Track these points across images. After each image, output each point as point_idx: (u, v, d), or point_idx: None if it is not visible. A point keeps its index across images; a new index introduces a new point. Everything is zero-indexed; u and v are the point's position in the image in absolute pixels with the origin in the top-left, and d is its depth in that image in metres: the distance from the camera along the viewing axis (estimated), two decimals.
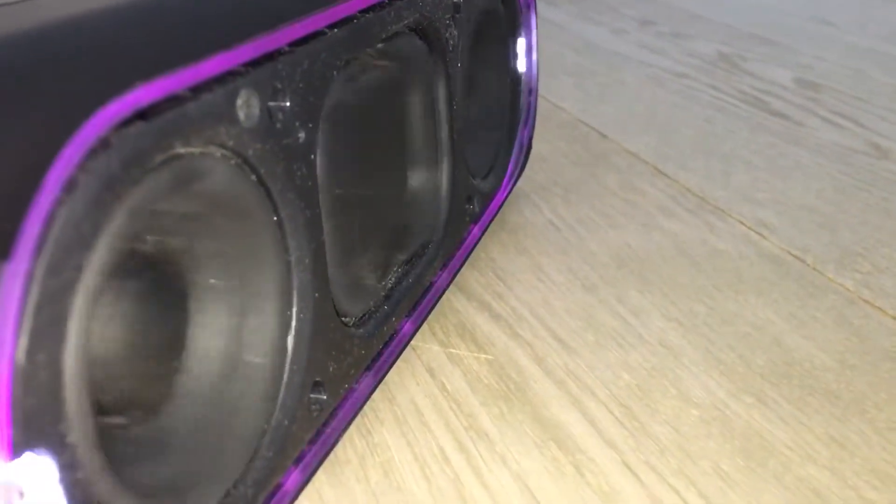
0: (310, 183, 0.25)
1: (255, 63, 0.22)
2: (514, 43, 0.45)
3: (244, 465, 0.23)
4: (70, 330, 0.16)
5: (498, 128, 0.45)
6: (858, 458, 0.29)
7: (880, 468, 0.29)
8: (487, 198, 0.42)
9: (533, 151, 0.54)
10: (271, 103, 0.22)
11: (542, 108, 0.65)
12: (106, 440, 0.19)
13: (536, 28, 0.47)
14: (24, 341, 0.15)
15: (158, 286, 0.22)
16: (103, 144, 0.17)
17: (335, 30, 0.26)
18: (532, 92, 0.48)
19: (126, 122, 0.17)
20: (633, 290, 0.40)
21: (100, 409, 0.20)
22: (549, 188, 0.51)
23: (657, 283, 0.40)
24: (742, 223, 0.47)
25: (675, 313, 0.38)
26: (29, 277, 0.15)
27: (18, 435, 0.15)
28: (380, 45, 0.30)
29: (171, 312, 0.22)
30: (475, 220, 0.40)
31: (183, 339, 0.22)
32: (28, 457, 0.15)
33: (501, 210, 0.47)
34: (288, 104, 0.23)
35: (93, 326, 0.19)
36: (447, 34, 0.35)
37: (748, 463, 0.29)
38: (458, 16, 0.36)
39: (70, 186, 0.16)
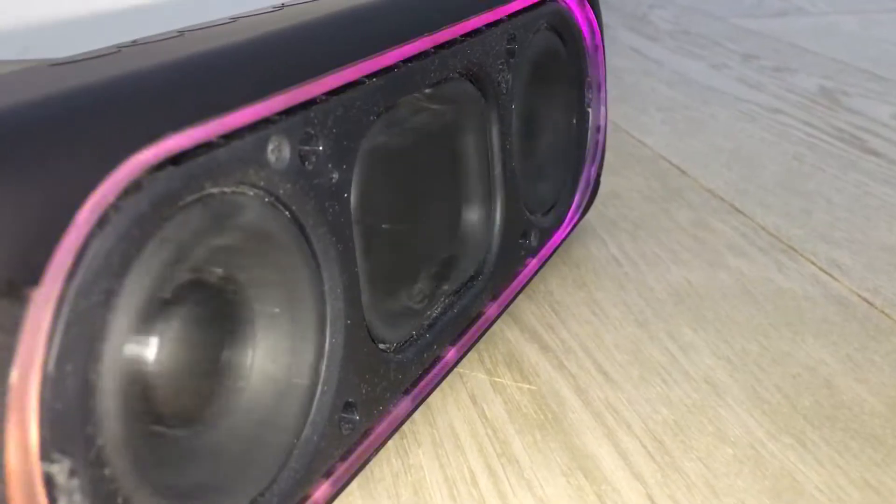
0: (342, 219, 0.27)
1: (288, 111, 0.24)
2: (581, 82, 0.47)
3: (272, 477, 0.25)
4: (101, 347, 0.19)
5: (563, 164, 0.46)
6: None
7: None
8: (548, 233, 0.44)
9: (607, 187, 0.55)
10: (303, 147, 0.25)
11: (625, 143, 0.66)
12: (142, 443, 0.22)
13: (605, 67, 0.48)
14: (53, 353, 0.18)
15: (204, 309, 0.24)
16: (135, 186, 0.20)
17: (373, 79, 0.28)
18: (600, 130, 0.49)
19: (158, 167, 0.20)
20: (686, 326, 0.40)
21: (143, 415, 0.23)
22: (618, 223, 0.51)
23: (712, 321, 0.41)
24: (813, 263, 0.46)
25: (726, 351, 0.38)
26: (60, 299, 0.18)
27: (46, 434, 0.18)
28: (428, 91, 0.33)
29: (212, 332, 0.25)
30: (532, 254, 0.42)
31: (222, 357, 0.25)
32: (55, 454, 0.18)
33: (566, 243, 0.48)
34: (320, 148, 0.25)
35: (139, 342, 0.22)
36: (500, 78, 0.37)
37: (774, 503, 0.29)
38: (512, 60, 0.38)
39: (101, 222, 0.19)
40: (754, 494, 0.30)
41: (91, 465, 0.19)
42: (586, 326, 0.40)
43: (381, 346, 0.30)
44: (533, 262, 0.42)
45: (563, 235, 0.46)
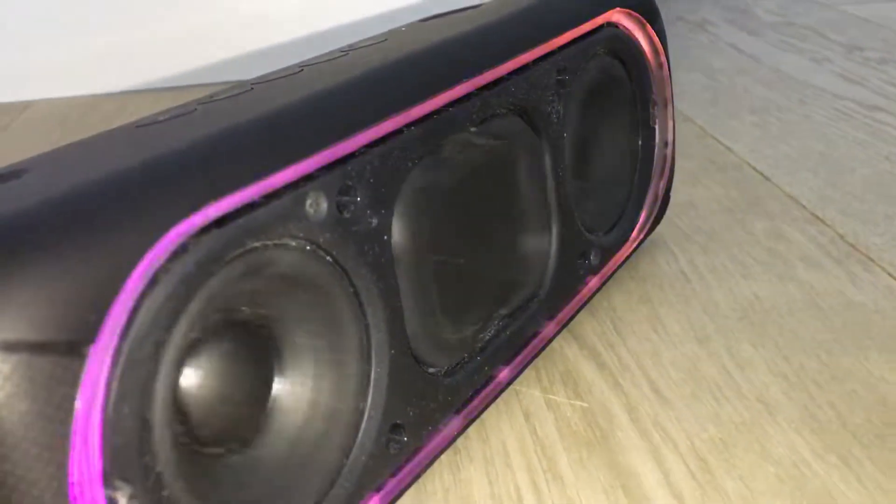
0: (383, 259, 0.29)
1: (326, 167, 0.27)
2: (646, 101, 0.47)
3: (324, 493, 0.28)
4: (154, 390, 0.22)
5: (627, 182, 0.47)
6: None
7: None
8: (611, 250, 0.45)
9: (684, 197, 0.56)
10: (341, 198, 0.28)
11: (711, 150, 0.65)
12: (201, 468, 0.25)
13: (671, 83, 0.49)
14: (112, 398, 0.21)
15: (251, 344, 0.28)
16: (182, 249, 0.23)
17: (412, 127, 0.31)
18: (668, 144, 0.49)
19: (203, 230, 0.23)
20: (746, 342, 0.41)
21: (199, 441, 0.26)
22: (691, 236, 0.52)
23: (774, 336, 0.41)
24: (890, 274, 0.45)
25: (784, 368, 0.39)
26: (116, 353, 0.21)
27: (108, 465, 0.21)
28: (474, 129, 0.35)
29: (266, 363, 0.28)
30: (593, 273, 0.43)
31: (275, 385, 0.28)
32: (117, 482, 0.21)
33: (635, 257, 0.49)
34: (358, 199, 0.28)
35: (188, 378, 0.26)
36: (550, 109, 0.38)
37: None
38: (563, 91, 0.39)
39: (152, 283, 0.22)
40: None
41: (150, 490, 0.22)
42: (645, 344, 0.42)
43: (431, 370, 0.33)
44: (594, 281, 0.43)
45: (628, 252, 0.47)
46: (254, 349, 0.27)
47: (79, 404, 0.20)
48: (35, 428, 0.20)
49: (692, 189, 0.58)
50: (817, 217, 0.53)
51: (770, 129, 0.69)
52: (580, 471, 0.34)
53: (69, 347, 0.20)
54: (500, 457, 0.35)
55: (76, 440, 0.20)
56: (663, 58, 0.48)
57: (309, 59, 0.37)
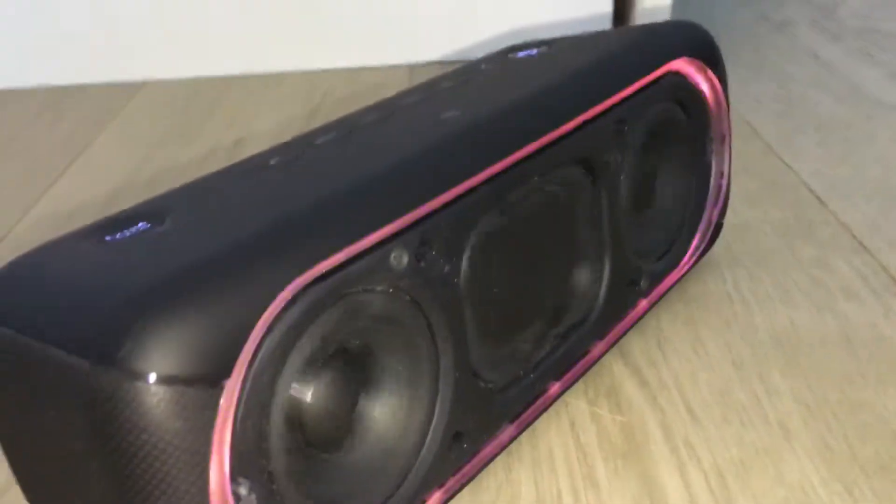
0: (452, 298, 0.35)
1: (407, 227, 0.33)
2: (704, 138, 0.52)
3: (396, 486, 0.35)
4: (269, 409, 0.29)
5: (680, 211, 0.52)
6: None
7: None
8: (661, 276, 0.50)
9: (740, 219, 0.60)
10: (419, 251, 0.34)
11: (773, 169, 0.69)
12: (303, 465, 0.32)
13: (729, 119, 0.53)
14: (239, 417, 0.28)
15: (349, 366, 0.34)
16: (291, 302, 0.29)
17: (482, 186, 0.36)
18: (723, 175, 0.54)
19: (308, 285, 0.30)
20: (777, 370, 0.45)
21: (302, 445, 0.33)
22: (741, 259, 0.56)
23: (804, 366, 0.45)
24: None
25: (808, 397, 0.43)
26: (243, 383, 0.28)
27: (234, 466, 0.28)
28: (536, 178, 0.40)
29: (357, 382, 0.35)
30: (643, 297, 0.48)
31: (363, 399, 0.35)
32: (240, 479, 0.28)
33: (685, 279, 0.53)
34: (433, 252, 0.34)
35: (298, 395, 0.32)
36: (608, 158, 0.43)
37: None
38: (621, 139, 0.44)
39: (269, 329, 0.28)
40: None
41: (263, 484, 0.29)
42: (685, 364, 0.47)
43: (489, 386, 0.39)
44: (643, 304, 0.48)
45: (677, 277, 0.52)
46: (347, 372, 0.34)
47: (217, 423, 0.27)
48: (186, 441, 0.26)
49: (750, 210, 0.62)
50: (864, 247, 0.56)
51: (833, 148, 0.72)
52: (614, 479, 0.39)
53: (213, 381, 0.27)
54: (546, 461, 0.41)
55: (214, 449, 0.27)
56: (722, 97, 0.52)
57: (403, 95, 0.43)
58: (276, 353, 0.29)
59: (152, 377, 0.26)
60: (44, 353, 0.27)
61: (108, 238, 0.33)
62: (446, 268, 0.35)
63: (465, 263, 0.36)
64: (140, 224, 0.33)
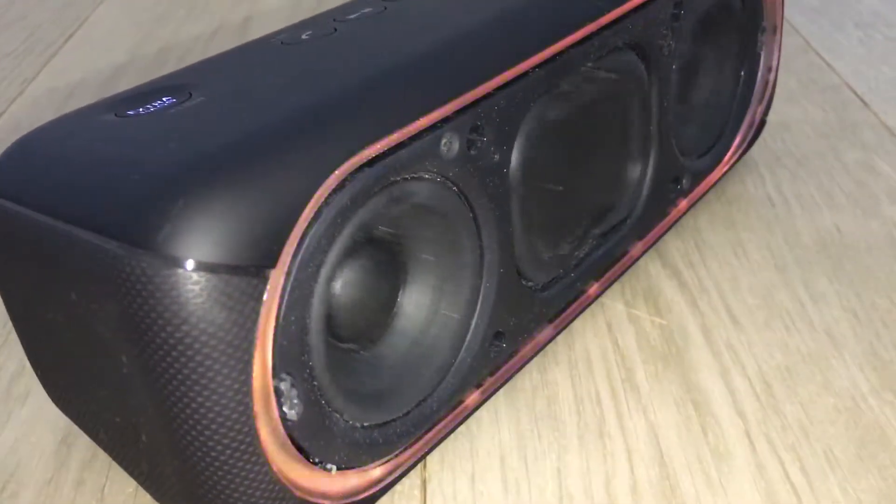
0: (501, 190, 0.33)
1: (459, 111, 0.30)
2: (756, 28, 0.48)
3: (434, 386, 0.33)
4: (311, 301, 0.27)
5: (726, 107, 0.49)
6: None
7: None
8: (702, 174, 0.47)
9: (779, 117, 0.57)
10: (470, 137, 0.31)
11: (812, 67, 0.66)
12: (339, 361, 0.30)
13: (783, 8, 0.50)
14: (282, 309, 0.26)
15: (387, 259, 0.32)
16: (339, 186, 0.27)
17: (535, 70, 0.33)
18: (771, 70, 0.51)
19: (357, 170, 0.27)
20: (822, 275, 0.44)
21: (340, 339, 0.31)
22: (782, 160, 0.54)
23: (850, 272, 0.44)
24: None
25: (855, 305, 0.42)
26: (287, 274, 0.25)
27: (277, 361, 0.26)
28: (590, 65, 0.37)
29: (394, 275, 0.32)
30: (683, 196, 0.46)
31: (401, 294, 0.33)
32: (282, 374, 0.26)
33: (724, 179, 0.51)
34: (485, 138, 0.31)
35: (338, 286, 0.30)
36: (662, 43, 0.40)
37: (859, 452, 0.34)
38: (676, 24, 0.41)
39: (316, 216, 0.26)
40: (843, 442, 0.34)
41: (305, 380, 0.27)
42: (726, 268, 0.45)
43: (530, 284, 0.37)
44: (683, 204, 0.46)
45: (719, 176, 0.49)
46: (387, 264, 0.32)
47: (261, 316, 0.25)
48: (230, 333, 0.24)
49: (789, 109, 0.59)
50: None
51: (875, 48, 0.68)
52: (654, 383, 0.38)
53: (257, 270, 0.24)
54: (583, 363, 0.39)
55: (257, 343, 0.25)
56: None
57: None
58: (321, 241, 0.26)
59: (193, 264, 0.24)
60: (69, 234, 0.25)
61: (130, 112, 0.30)
62: (496, 156, 0.32)
63: (515, 153, 0.33)
64: (165, 98, 0.31)
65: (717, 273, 0.44)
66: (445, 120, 0.30)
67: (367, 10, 0.37)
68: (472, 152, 0.31)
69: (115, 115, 0.30)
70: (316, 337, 0.27)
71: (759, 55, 0.50)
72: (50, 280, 0.28)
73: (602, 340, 0.40)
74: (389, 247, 0.32)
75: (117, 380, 0.27)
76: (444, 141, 0.30)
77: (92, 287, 0.25)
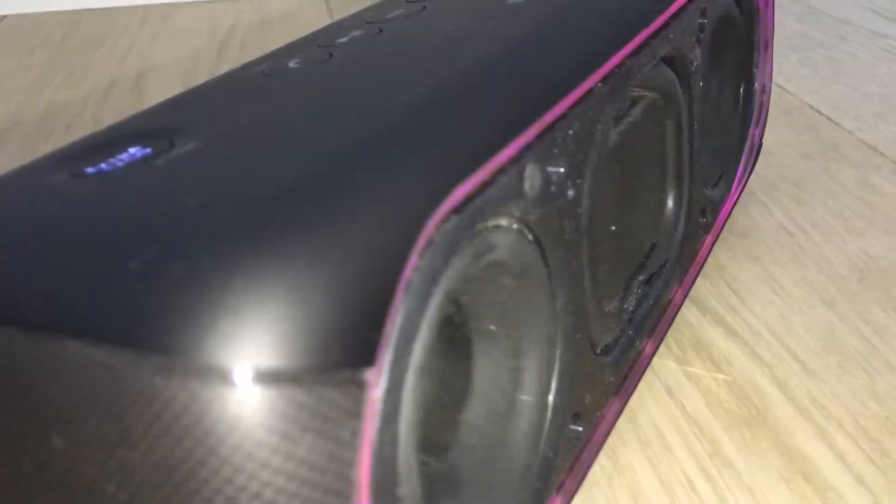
0: (575, 236, 0.26)
1: (539, 134, 0.23)
2: (751, 43, 0.44)
3: (514, 496, 0.25)
4: (401, 408, 0.19)
5: (728, 131, 0.44)
6: None
7: None
8: (718, 205, 0.42)
9: None
10: (549, 169, 0.24)
11: None
12: (422, 483, 0.22)
13: (773, 21, 0.46)
14: (378, 426, 0.17)
15: (451, 338, 0.24)
16: (429, 243, 0.19)
17: (600, 85, 0.27)
18: (765, 90, 0.46)
19: (444, 220, 0.20)
20: (874, 305, 0.39)
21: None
22: (778, 185, 0.49)
23: None
24: None
25: None
26: (384, 374, 0.17)
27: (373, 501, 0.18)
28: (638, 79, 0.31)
29: (460, 360, 0.25)
30: (708, 231, 0.41)
31: (468, 382, 0.25)
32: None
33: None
34: (562, 169, 0.24)
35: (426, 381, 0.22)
36: (691, 56, 0.35)
37: None
38: (702, 35, 0.36)
39: (407, 286, 0.18)
40: None
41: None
42: (770, 308, 0.39)
43: (597, 349, 0.30)
44: (709, 239, 0.41)
45: (731, 206, 0.44)
46: (456, 342, 0.24)
47: (363, 440, 0.17)
48: (315, 472, 0.16)
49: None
50: None
51: (818, 68, 0.67)
52: (748, 455, 0.31)
53: (353, 374, 0.16)
54: (655, 439, 0.32)
55: (360, 480, 0.17)
56: None
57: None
58: (414, 320, 0.19)
59: (253, 373, 0.15)
60: (60, 346, 0.16)
61: (89, 170, 0.21)
62: (570, 192, 0.26)
63: (587, 188, 0.27)
64: (131, 149, 0.22)
65: (764, 314, 0.39)
66: (528, 147, 0.23)
67: (356, 33, 0.30)
68: (552, 189, 0.24)
69: (69, 174, 0.21)
70: (408, 459, 0.19)
71: (754, 74, 0.45)
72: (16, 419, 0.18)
73: (667, 409, 0.34)
74: (457, 319, 0.24)
75: None
76: (526, 174, 0.23)
77: (99, 410, 0.16)
